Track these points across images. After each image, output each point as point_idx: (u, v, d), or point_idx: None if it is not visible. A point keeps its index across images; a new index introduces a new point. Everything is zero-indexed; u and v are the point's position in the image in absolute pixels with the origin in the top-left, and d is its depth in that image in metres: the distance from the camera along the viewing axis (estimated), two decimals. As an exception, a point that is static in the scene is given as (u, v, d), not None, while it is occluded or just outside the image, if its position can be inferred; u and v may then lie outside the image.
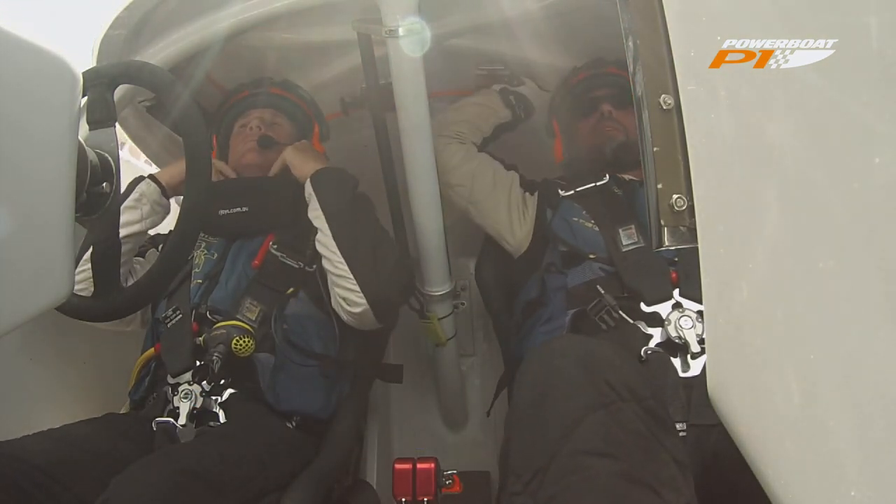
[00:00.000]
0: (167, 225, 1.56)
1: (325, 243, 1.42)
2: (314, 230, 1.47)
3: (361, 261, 1.38)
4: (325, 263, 1.44)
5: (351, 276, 1.37)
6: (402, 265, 1.49)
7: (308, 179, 1.49)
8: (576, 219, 1.49)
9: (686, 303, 1.25)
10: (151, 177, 1.51)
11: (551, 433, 0.76)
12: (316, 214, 1.45)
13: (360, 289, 1.37)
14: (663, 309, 1.26)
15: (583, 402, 0.77)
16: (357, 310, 1.40)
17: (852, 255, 0.50)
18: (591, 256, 1.40)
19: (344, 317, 1.45)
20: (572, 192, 1.56)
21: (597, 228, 1.44)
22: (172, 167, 1.55)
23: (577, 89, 1.72)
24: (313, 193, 1.46)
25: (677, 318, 1.22)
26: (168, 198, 1.53)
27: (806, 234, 0.54)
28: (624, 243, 1.39)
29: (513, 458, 0.79)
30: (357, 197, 1.50)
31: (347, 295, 1.39)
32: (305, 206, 1.52)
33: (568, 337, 1.23)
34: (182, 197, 1.58)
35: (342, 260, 1.38)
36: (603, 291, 1.31)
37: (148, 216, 1.48)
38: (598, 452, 0.72)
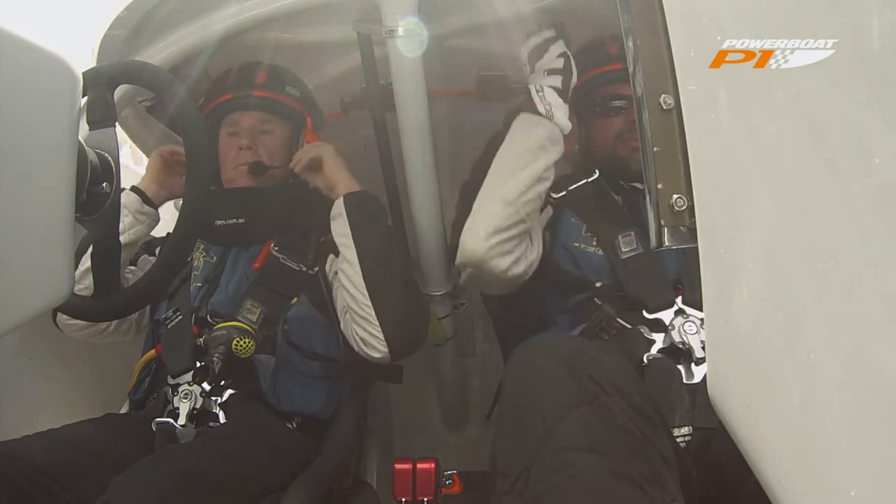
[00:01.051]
0: (165, 227, 1.56)
1: (353, 279, 1.35)
2: (318, 235, 1.47)
3: (389, 308, 1.32)
4: (345, 296, 1.37)
5: (376, 322, 1.32)
6: (422, 307, 1.45)
7: (341, 199, 1.41)
8: (577, 244, 1.39)
9: (689, 310, 1.23)
10: (133, 187, 1.46)
11: (534, 431, 0.76)
12: (345, 243, 1.38)
13: (384, 337, 1.32)
14: (666, 315, 1.24)
15: (565, 399, 0.77)
16: (375, 355, 1.35)
17: (852, 256, 0.50)
18: (598, 285, 1.33)
19: (355, 348, 1.40)
20: (564, 192, 1.47)
21: (600, 252, 1.35)
22: (149, 173, 1.49)
23: (604, 79, 1.49)
24: (345, 217, 1.39)
25: (681, 323, 1.20)
26: (155, 206, 1.48)
27: (806, 235, 0.54)
28: (623, 250, 1.33)
29: (500, 459, 0.79)
30: (390, 232, 1.44)
31: (368, 338, 1.34)
32: (304, 209, 1.51)
33: (551, 336, 1.22)
34: (172, 202, 1.57)
35: (370, 304, 1.32)
36: (601, 303, 1.28)
37: (130, 227, 1.43)
38: (582, 448, 0.72)
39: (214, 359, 1.30)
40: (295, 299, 1.47)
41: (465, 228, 1.29)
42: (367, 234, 1.38)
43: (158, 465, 1.03)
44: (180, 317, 1.43)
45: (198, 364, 1.36)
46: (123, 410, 1.50)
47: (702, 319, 1.20)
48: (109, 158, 0.92)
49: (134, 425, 1.32)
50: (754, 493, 0.59)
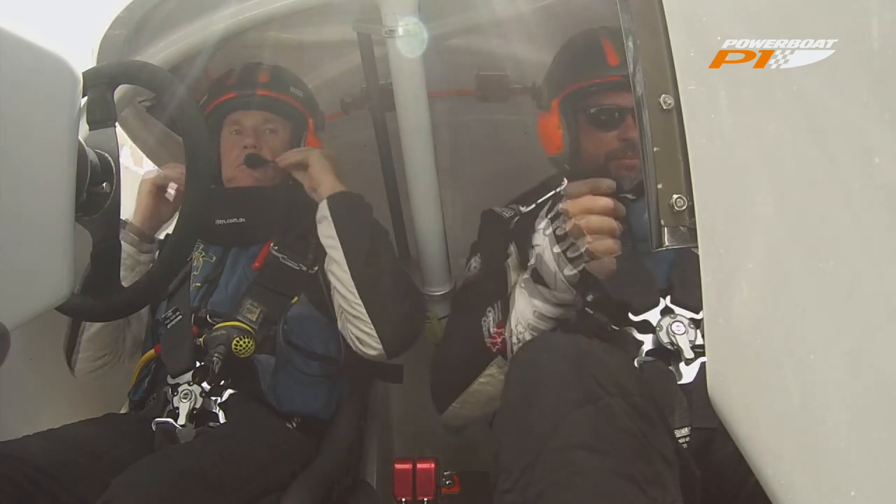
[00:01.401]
0: (165, 227, 1.56)
1: (342, 279, 1.35)
2: (315, 233, 1.47)
3: (380, 306, 1.33)
4: (338, 298, 1.38)
5: (368, 321, 1.33)
6: (416, 303, 1.45)
7: (325, 200, 1.40)
8: None
9: (678, 310, 1.20)
10: (128, 227, 1.44)
11: (538, 429, 0.76)
12: (331, 244, 1.38)
13: (378, 335, 1.33)
14: (653, 316, 1.21)
15: (569, 397, 0.77)
16: (371, 352, 1.36)
17: (852, 256, 0.50)
18: (589, 298, 1.30)
19: (352, 347, 1.41)
20: (533, 206, 1.43)
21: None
22: (143, 207, 1.47)
23: (601, 88, 1.34)
24: (330, 219, 1.38)
25: (669, 323, 1.17)
26: (151, 240, 1.47)
27: (806, 235, 0.54)
28: None
29: (503, 456, 0.80)
30: (375, 230, 1.44)
31: (363, 337, 1.35)
32: (303, 210, 1.51)
33: (555, 334, 1.20)
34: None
35: (360, 303, 1.33)
36: (592, 312, 1.26)
37: (133, 267, 1.43)
38: (585, 447, 0.73)
39: (214, 359, 1.30)
40: (295, 299, 1.47)
41: (440, 410, 1.39)
42: (353, 233, 1.38)
43: (158, 465, 1.03)
44: (180, 317, 1.43)
45: (197, 364, 1.36)
46: (123, 410, 1.50)
47: (690, 319, 1.18)
48: (109, 158, 0.92)
49: (134, 425, 1.32)
50: (754, 493, 0.59)
